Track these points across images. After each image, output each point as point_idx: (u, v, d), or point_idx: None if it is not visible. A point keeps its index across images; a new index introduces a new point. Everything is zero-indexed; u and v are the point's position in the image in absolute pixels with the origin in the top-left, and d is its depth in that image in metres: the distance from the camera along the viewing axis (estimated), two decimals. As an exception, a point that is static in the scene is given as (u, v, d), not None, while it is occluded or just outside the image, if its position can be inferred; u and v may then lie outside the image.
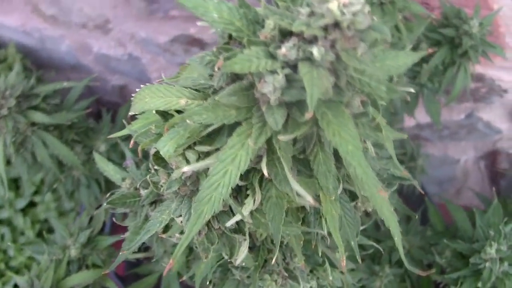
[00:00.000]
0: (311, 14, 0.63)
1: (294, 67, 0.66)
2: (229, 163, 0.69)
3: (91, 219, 1.55)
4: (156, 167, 0.83)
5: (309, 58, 0.64)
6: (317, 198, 0.80)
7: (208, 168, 0.76)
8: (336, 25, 0.61)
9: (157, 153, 0.80)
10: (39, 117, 1.47)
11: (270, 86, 0.65)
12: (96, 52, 2.17)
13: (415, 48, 1.60)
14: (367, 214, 1.01)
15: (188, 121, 0.71)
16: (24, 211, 2.27)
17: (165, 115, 0.82)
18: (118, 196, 1.11)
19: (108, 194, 1.23)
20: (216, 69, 0.69)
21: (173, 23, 1.99)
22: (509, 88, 1.94)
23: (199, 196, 0.71)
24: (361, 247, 1.15)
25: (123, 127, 1.68)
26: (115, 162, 1.63)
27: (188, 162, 0.77)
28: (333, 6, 0.60)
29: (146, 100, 0.82)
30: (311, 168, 0.76)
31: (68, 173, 1.63)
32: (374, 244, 1.07)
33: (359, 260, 0.91)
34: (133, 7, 1.95)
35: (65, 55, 2.22)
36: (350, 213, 0.88)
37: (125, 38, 2.10)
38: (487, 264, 1.32)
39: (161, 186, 0.85)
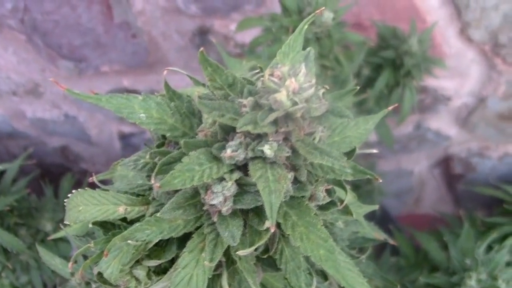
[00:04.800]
0: (256, 106, 0.51)
1: (244, 167, 0.53)
2: (185, 285, 0.56)
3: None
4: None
5: (261, 157, 0.52)
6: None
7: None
8: (288, 116, 0.49)
9: (101, 273, 0.67)
10: (-25, 207, 1.31)
11: (220, 197, 0.53)
12: (31, 117, 2.01)
13: (357, 75, 1.49)
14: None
15: (130, 242, 0.58)
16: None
17: (104, 225, 0.68)
18: (69, 294, 0.97)
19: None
20: (152, 182, 0.56)
21: (105, 78, 1.85)
22: (452, 95, 1.86)
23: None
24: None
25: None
26: (65, 240, 1.47)
27: (137, 280, 0.64)
28: (282, 96, 0.48)
29: (80, 209, 0.69)
30: (277, 267, 0.63)
31: (16, 259, 1.48)
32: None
33: None
34: (61, 69, 1.81)
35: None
36: (326, 294, 0.76)
37: (58, 100, 1.95)
38: (469, 296, 1.22)
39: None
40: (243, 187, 0.53)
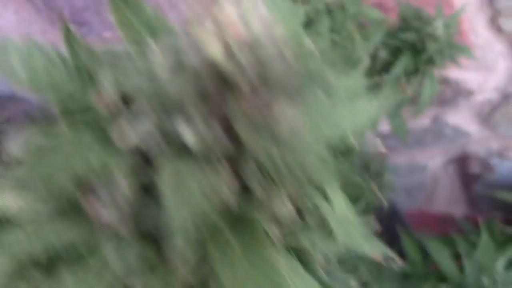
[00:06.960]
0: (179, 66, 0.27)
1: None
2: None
3: None
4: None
5: (179, 146, 0.28)
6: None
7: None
8: (220, 77, 0.25)
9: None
10: None
11: (109, 206, 0.29)
12: (31, 81, 1.80)
13: (373, 58, 1.24)
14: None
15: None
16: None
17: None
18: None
19: None
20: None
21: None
22: (475, 89, 1.60)
23: None
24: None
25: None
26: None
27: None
28: (205, 35, 0.24)
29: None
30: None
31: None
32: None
33: None
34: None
35: (-1, 87, 1.85)
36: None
37: (61, 65, 1.73)
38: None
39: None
40: (152, 195, 0.30)
